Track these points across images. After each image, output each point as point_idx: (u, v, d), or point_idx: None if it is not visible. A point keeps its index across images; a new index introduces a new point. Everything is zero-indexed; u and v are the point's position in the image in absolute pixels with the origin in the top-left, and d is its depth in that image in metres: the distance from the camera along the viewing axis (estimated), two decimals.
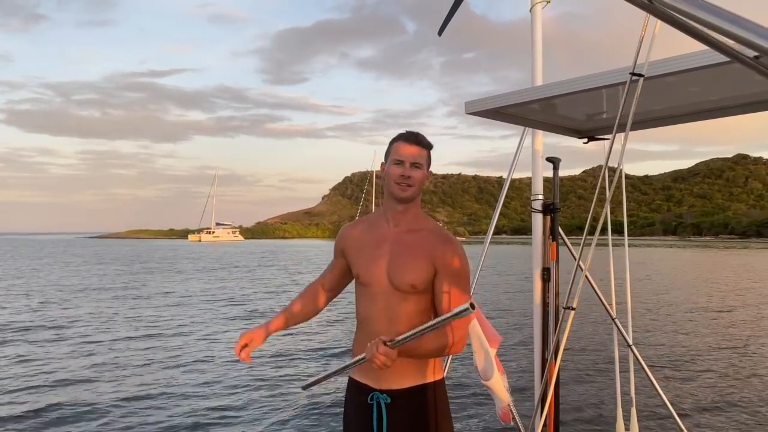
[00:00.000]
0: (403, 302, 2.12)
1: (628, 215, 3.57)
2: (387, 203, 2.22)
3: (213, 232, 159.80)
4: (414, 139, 2.15)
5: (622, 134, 1.83)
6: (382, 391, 2.13)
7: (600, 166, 2.26)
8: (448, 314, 1.74)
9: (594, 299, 3.21)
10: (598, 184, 2.08)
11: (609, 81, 1.77)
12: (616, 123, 1.77)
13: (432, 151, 2.22)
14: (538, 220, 3.06)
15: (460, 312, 1.69)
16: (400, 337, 1.88)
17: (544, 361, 3.02)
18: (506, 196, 3.50)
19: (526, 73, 3.00)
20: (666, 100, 2.09)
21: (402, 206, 2.17)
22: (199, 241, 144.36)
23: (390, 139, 2.23)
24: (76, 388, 8.21)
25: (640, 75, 1.64)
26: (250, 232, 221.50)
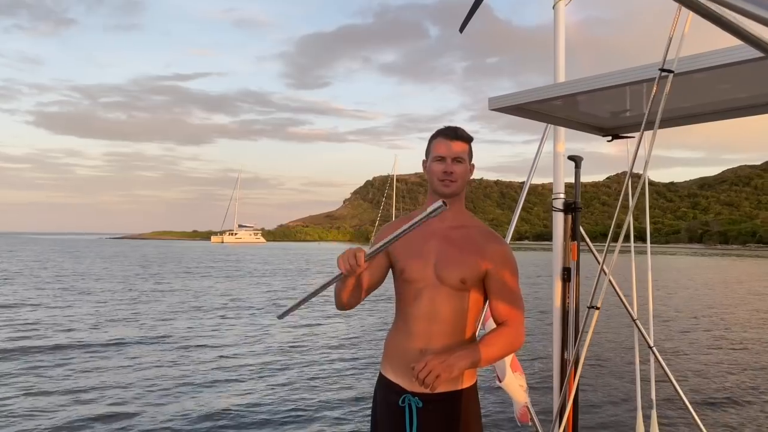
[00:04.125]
0: (449, 299, 2.07)
1: (652, 223, 3.53)
2: (431, 200, 2.15)
3: (235, 234, 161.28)
4: (454, 134, 2.10)
5: (650, 132, 1.80)
6: (414, 394, 2.07)
7: (624, 173, 2.23)
8: (423, 213, 1.79)
9: (612, 301, 3.18)
10: (624, 185, 2.05)
11: (638, 77, 1.74)
12: (644, 120, 1.74)
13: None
14: (558, 220, 3.04)
15: (435, 209, 1.75)
16: (375, 248, 1.89)
17: (563, 361, 3.00)
18: (529, 202, 3.50)
19: (549, 77, 2.98)
20: (694, 97, 2.06)
21: (447, 202, 2.15)
22: (222, 242, 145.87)
23: (426, 137, 2.15)
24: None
25: (669, 71, 1.61)
26: (271, 235, 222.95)
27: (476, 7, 3.08)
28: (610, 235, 2.04)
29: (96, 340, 11.71)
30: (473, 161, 2.17)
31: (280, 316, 2.24)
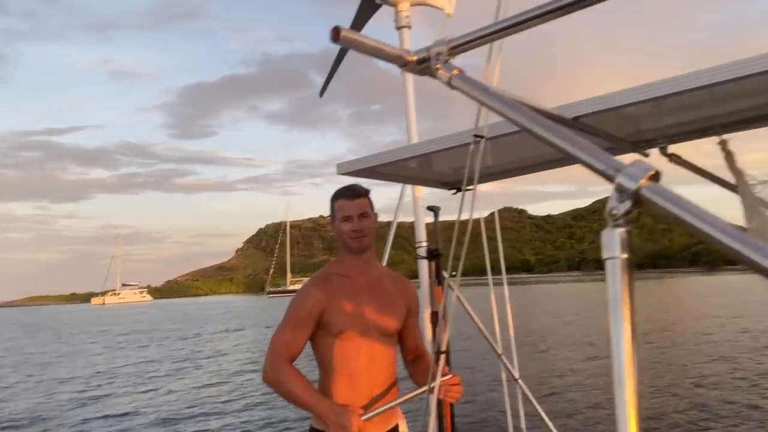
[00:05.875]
0: (386, 348, 2.25)
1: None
2: (344, 256, 2.30)
3: (118, 294, 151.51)
4: (353, 192, 2.26)
5: (473, 187, 2.01)
6: None
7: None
8: (424, 388, 2.13)
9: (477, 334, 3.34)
10: (455, 231, 2.21)
11: (457, 142, 1.97)
12: (465, 178, 1.94)
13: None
14: (424, 266, 3.23)
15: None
16: (373, 412, 2.06)
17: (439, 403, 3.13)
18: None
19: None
20: (512, 153, 2.34)
21: (362, 256, 2.28)
22: (103, 304, 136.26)
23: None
24: None
25: (481, 136, 1.85)
26: (159, 292, 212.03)
27: (333, 74, 3.28)
28: (459, 272, 2.18)
29: None
30: (375, 210, 2.34)
31: None
